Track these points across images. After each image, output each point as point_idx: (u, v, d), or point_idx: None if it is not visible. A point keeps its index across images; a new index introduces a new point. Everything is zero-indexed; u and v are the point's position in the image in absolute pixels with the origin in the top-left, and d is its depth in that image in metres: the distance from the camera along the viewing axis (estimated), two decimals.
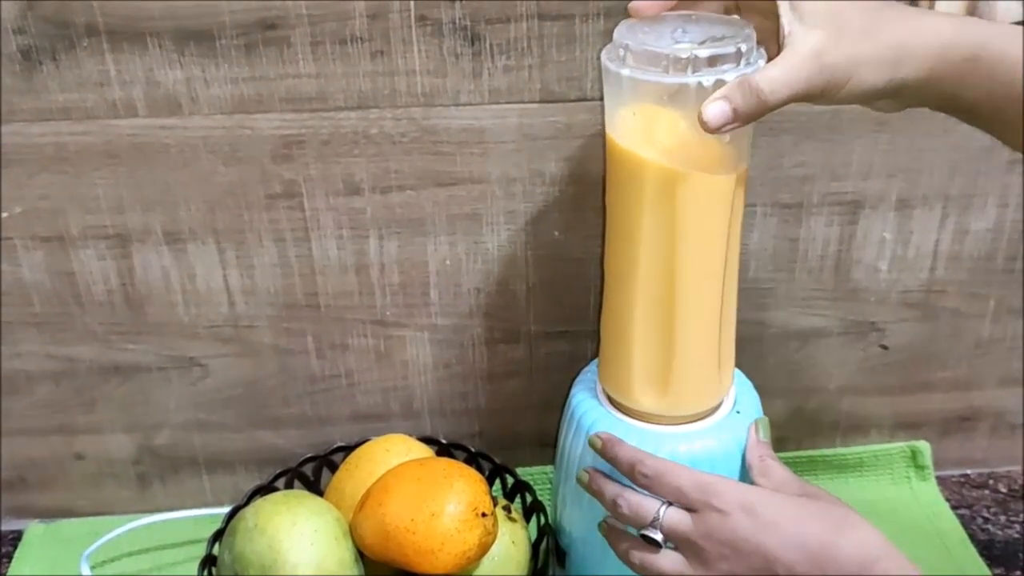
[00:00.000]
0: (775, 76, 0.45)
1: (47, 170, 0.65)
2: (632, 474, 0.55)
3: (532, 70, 0.63)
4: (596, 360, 0.66)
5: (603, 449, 0.57)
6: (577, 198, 0.68)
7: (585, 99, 0.65)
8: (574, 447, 0.62)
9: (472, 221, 0.69)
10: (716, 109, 0.46)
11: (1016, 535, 0.76)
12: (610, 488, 0.57)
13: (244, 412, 0.76)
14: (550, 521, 0.68)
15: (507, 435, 0.79)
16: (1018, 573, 0.73)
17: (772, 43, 0.48)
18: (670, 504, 0.53)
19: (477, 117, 0.65)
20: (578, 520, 0.63)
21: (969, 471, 0.83)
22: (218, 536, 0.64)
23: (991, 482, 0.82)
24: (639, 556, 0.54)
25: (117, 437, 0.76)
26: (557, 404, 0.67)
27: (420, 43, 0.62)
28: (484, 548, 0.61)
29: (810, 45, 0.45)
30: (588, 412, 0.61)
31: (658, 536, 0.53)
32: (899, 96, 0.48)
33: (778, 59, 0.46)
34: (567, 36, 0.62)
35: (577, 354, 0.74)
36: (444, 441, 0.72)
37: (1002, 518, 0.78)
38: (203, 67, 0.62)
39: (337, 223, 0.68)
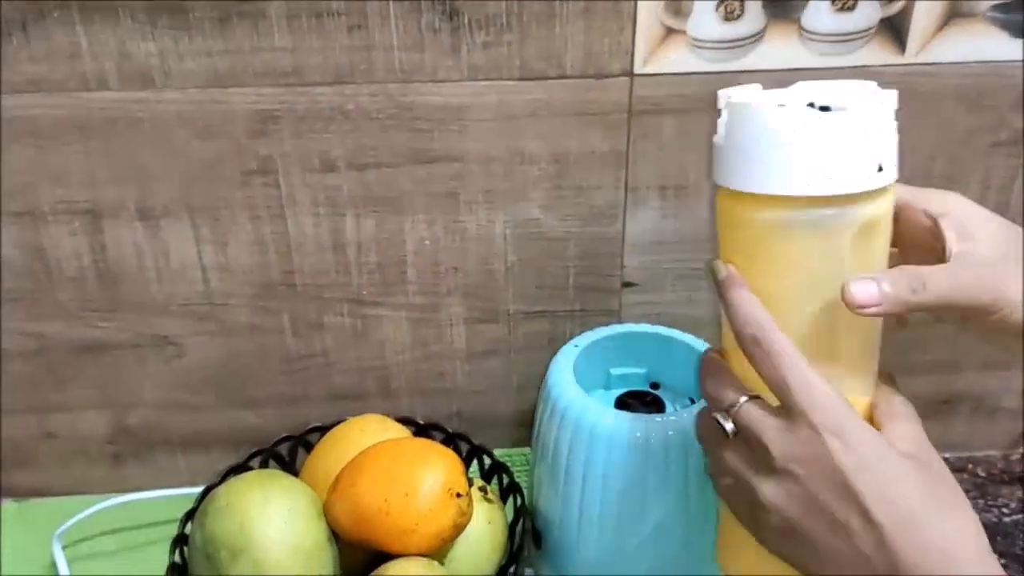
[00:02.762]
0: (940, 278, 0.44)
1: (17, 143, 0.64)
2: (741, 335, 0.44)
3: (511, 46, 0.63)
4: (574, 340, 0.65)
5: (722, 285, 0.46)
6: (556, 176, 0.67)
7: (565, 76, 0.64)
8: (550, 428, 0.61)
9: (450, 199, 0.68)
10: (863, 287, 0.42)
11: (994, 519, 0.76)
12: (711, 360, 0.48)
13: (219, 391, 0.75)
14: (527, 503, 0.67)
15: (486, 416, 0.78)
16: (996, 556, 0.73)
17: (921, 253, 0.47)
18: (756, 398, 0.45)
19: (455, 94, 0.64)
20: (554, 501, 0.62)
21: (948, 455, 0.83)
22: (190, 516, 0.64)
23: (970, 466, 0.82)
24: (705, 433, 0.48)
25: (91, 416, 0.76)
26: (536, 384, 0.66)
27: (398, 18, 0.61)
28: (459, 529, 0.60)
29: (979, 262, 0.44)
30: (564, 393, 0.60)
31: (728, 425, 0.45)
32: None
33: (945, 267, 0.44)
34: (547, 12, 0.62)
35: (556, 334, 0.73)
36: (421, 422, 0.71)
37: (980, 502, 0.78)
38: (176, 40, 0.61)
39: (313, 200, 0.67)
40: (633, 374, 0.66)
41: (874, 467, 0.42)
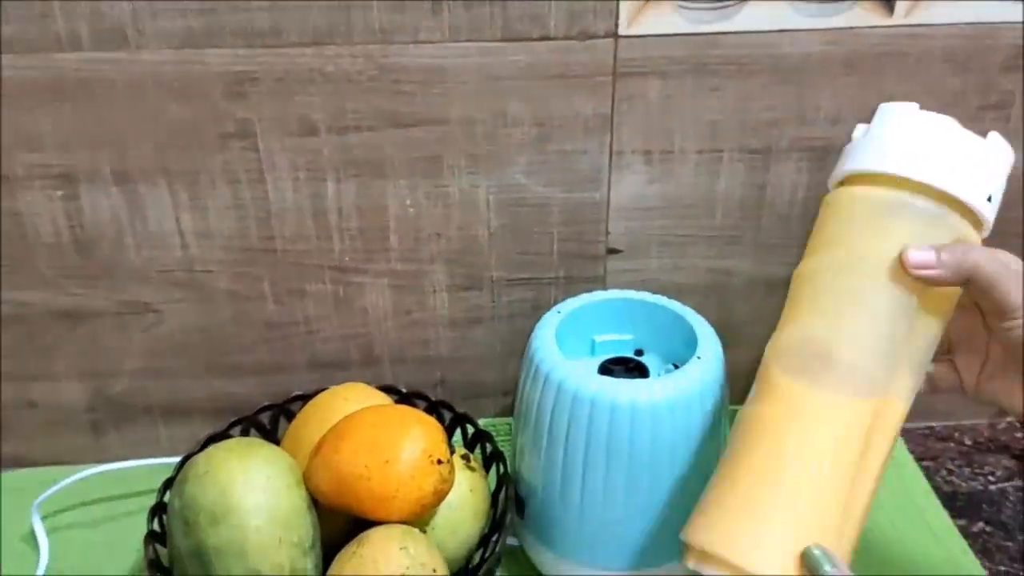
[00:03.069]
0: (982, 254, 0.47)
1: None
2: None
3: (494, 7, 0.61)
4: (557, 306, 0.64)
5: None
6: (539, 141, 0.66)
7: (548, 38, 0.63)
8: (533, 394, 0.60)
9: (432, 164, 0.67)
10: (920, 254, 0.47)
11: (980, 487, 0.76)
12: None
13: (200, 359, 0.74)
14: (509, 471, 0.67)
15: (470, 384, 0.77)
16: (981, 524, 0.73)
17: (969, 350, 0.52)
18: None
19: (437, 55, 0.63)
20: (537, 469, 0.62)
21: (935, 424, 0.83)
22: (169, 484, 0.63)
23: (957, 435, 0.82)
24: None
25: (70, 384, 0.75)
26: (520, 353, 0.65)
27: None
28: (440, 496, 0.60)
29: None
30: (547, 358, 0.60)
31: None
32: None
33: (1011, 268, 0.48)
34: None
35: (540, 301, 0.73)
36: (404, 390, 0.71)
37: (966, 470, 0.78)
38: None
39: (293, 165, 0.66)
40: (618, 341, 0.66)
41: None
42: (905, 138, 0.49)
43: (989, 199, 0.48)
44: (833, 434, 0.47)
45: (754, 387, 0.52)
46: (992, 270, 0.47)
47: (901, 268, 0.47)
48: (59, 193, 0.66)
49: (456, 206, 0.69)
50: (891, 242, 0.47)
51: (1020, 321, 0.47)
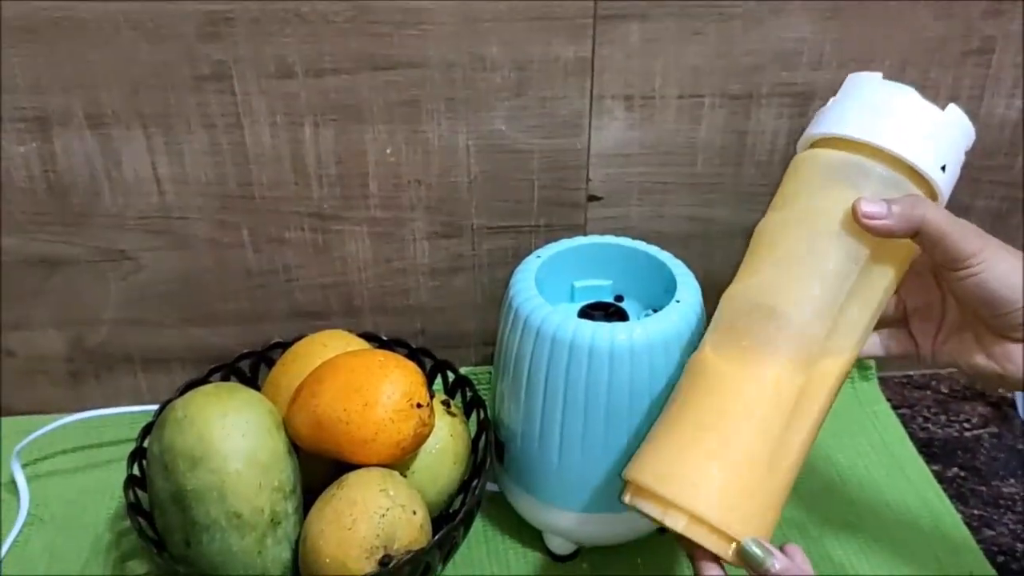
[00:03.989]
0: (941, 216, 0.48)
1: None
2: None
3: None
4: (537, 251, 0.64)
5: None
6: (519, 85, 0.66)
7: None
8: (512, 339, 0.60)
9: (411, 108, 0.66)
10: (871, 206, 0.48)
11: (955, 434, 0.77)
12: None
13: (179, 308, 0.74)
14: (489, 416, 0.67)
15: (451, 334, 0.77)
16: (955, 470, 0.74)
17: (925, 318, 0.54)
18: None
19: None
20: (516, 414, 0.62)
21: (912, 372, 0.83)
22: (149, 430, 0.63)
23: (934, 383, 0.83)
24: None
25: (48, 333, 0.74)
26: (500, 302, 0.65)
27: None
28: (420, 439, 0.60)
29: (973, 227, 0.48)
30: (526, 302, 0.59)
31: None
32: None
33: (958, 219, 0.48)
34: None
35: (521, 250, 0.72)
36: (385, 338, 0.70)
37: (942, 418, 0.79)
38: None
39: (270, 109, 0.65)
40: (597, 287, 0.66)
41: None
42: (866, 105, 0.51)
43: (943, 169, 0.50)
44: (769, 390, 0.49)
45: (706, 333, 0.53)
46: (942, 220, 0.48)
47: (853, 221, 0.48)
48: (32, 136, 0.65)
49: (436, 152, 0.68)
50: (845, 201, 0.49)
51: (973, 268, 0.48)
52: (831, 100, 0.53)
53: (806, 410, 0.49)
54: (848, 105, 0.51)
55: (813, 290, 0.49)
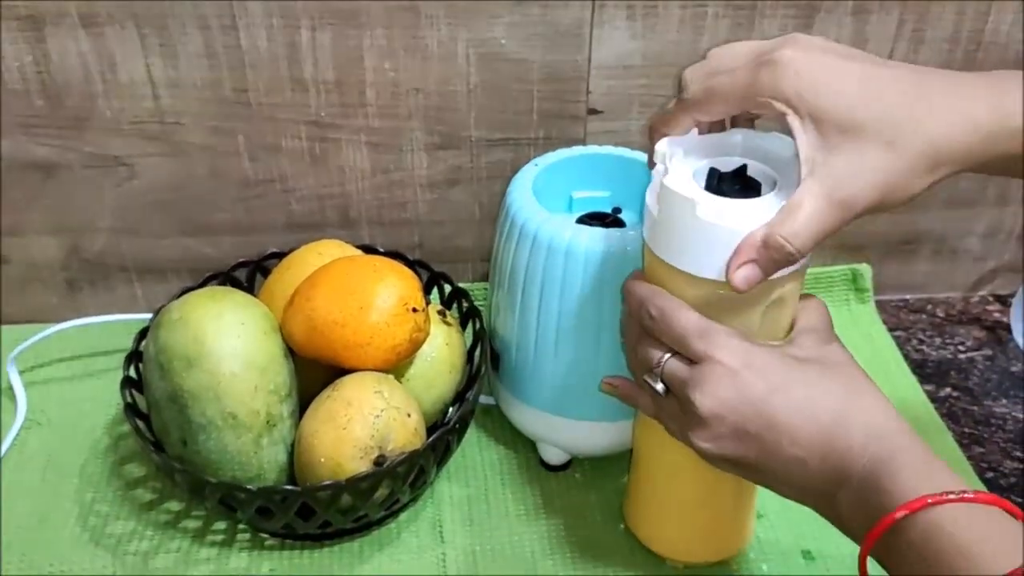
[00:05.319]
0: (798, 230, 0.43)
1: None
2: (640, 312, 0.49)
3: None
4: (535, 159, 0.64)
5: (625, 287, 0.51)
6: None
7: None
8: (508, 247, 0.60)
9: (409, 13, 0.65)
10: (745, 273, 0.44)
11: (949, 355, 0.77)
12: (630, 334, 0.51)
13: (174, 217, 0.73)
14: (485, 326, 0.67)
15: (448, 248, 0.77)
16: (948, 390, 0.74)
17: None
18: (675, 354, 0.48)
19: None
20: (512, 323, 0.62)
21: (909, 296, 0.83)
22: (145, 333, 0.63)
23: (929, 307, 0.83)
24: (644, 402, 0.52)
25: (43, 240, 0.74)
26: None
27: None
28: (415, 344, 0.60)
29: (831, 184, 0.42)
30: (522, 209, 0.59)
31: (658, 385, 0.48)
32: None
33: (799, 204, 0.43)
34: None
35: (519, 163, 0.71)
36: (382, 250, 0.70)
37: (937, 340, 0.79)
38: None
39: (266, 11, 0.64)
40: (595, 198, 0.65)
41: (784, 386, 0.45)
42: (689, 233, 0.46)
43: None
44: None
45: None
46: (807, 231, 0.43)
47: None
48: (24, 35, 0.64)
49: (435, 60, 0.67)
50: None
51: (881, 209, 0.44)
52: (653, 195, 0.48)
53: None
54: (676, 233, 0.47)
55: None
